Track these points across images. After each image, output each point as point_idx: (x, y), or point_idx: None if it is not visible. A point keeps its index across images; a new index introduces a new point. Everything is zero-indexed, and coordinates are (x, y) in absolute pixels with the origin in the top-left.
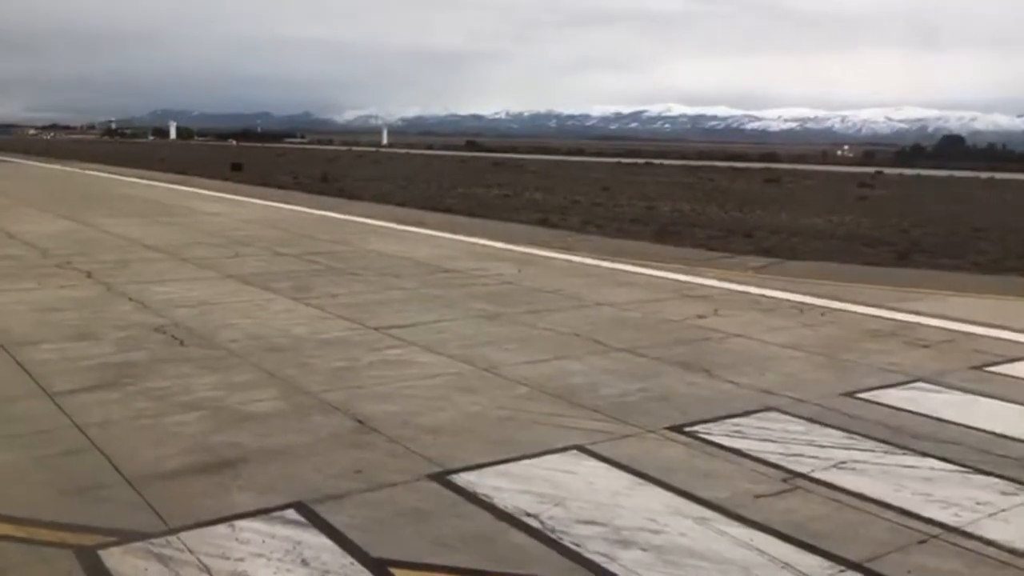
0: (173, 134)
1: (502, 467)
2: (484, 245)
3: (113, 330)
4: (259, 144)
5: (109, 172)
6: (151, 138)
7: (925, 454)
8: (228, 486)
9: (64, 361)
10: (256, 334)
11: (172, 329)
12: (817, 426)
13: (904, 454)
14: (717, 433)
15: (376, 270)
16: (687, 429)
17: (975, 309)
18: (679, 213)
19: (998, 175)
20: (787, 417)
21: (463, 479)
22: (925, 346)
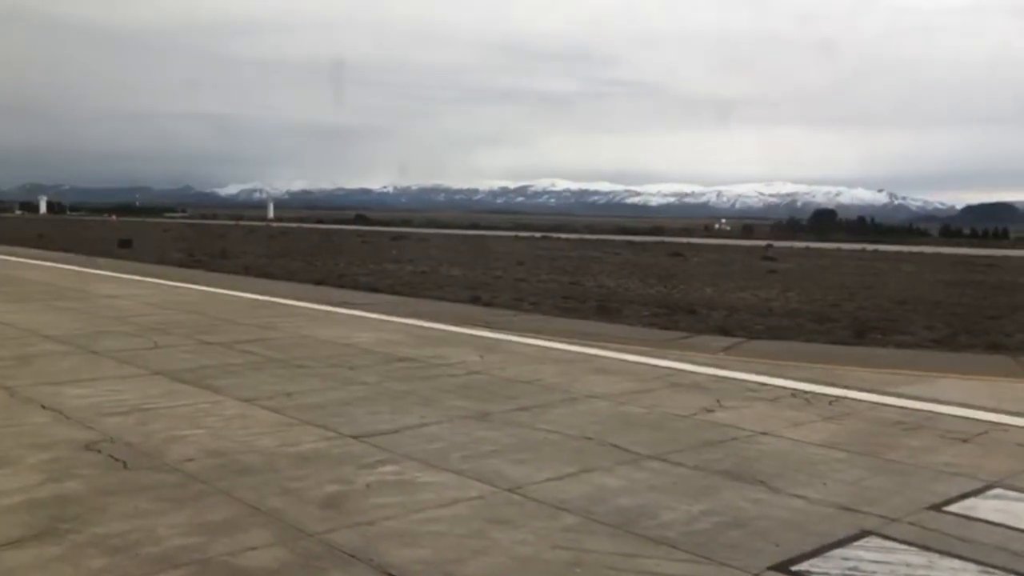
0: (43, 208)
1: None
2: (427, 327)
3: (31, 451)
4: (139, 219)
5: None
6: (19, 212)
7: None
8: None
9: None
10: (215, 449)
11: (108, 446)
12: (937, 556)
13: None
14: (835, 573)
15: (323, 361)
16: (795, 568)
17: (977, 393)
18: (606, 289)
19: (881, 247)
20: (893, 544)
21: None
22: (964, 440)
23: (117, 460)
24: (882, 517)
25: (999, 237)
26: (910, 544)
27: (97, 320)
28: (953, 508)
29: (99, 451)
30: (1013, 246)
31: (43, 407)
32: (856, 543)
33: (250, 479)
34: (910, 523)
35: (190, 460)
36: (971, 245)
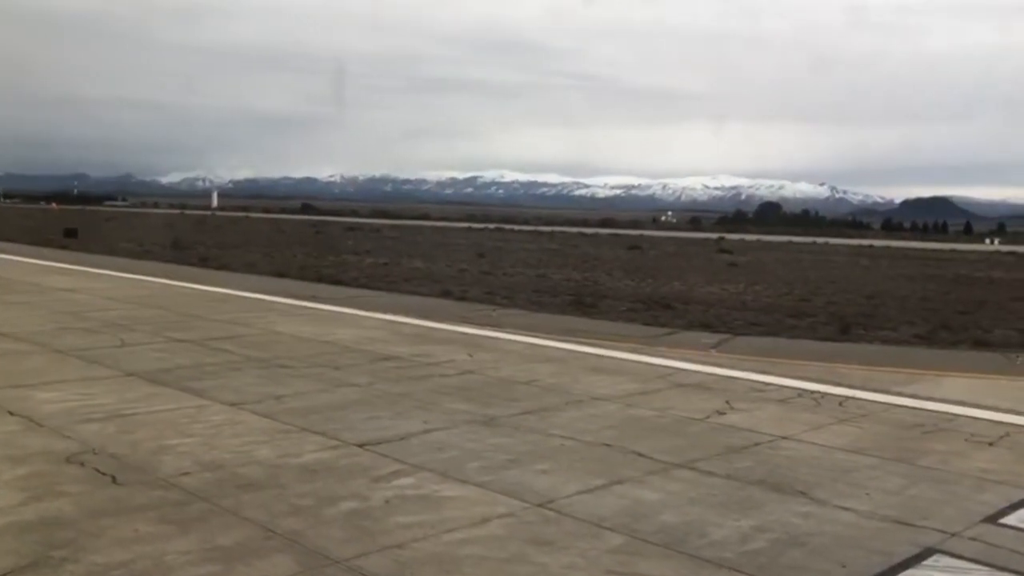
0: None
1: None
2: (406, 324)
3: (6, 465)
4: (79, 207)
5: None
6: None
7: None
8: None
9: None
10: (210, 461)
11: (92, 459)
12: None
13: None
14: None
15: (305, 360)
16: None
17: (982, 392)
18: (574, 282)
19: (831, 240)
20: (964, 564)
21: None
22: (990, 444)
23: (104, 474)
24: (940, 532)
25: (939, 231)
26: (981, 564)
27: (56, 316)
28: (1009, 520)
29: (83, 464)
30: (956, 240)
31: (11, 413)
32: (925, 563)
33: (256, 495)
34: (971, 539)
35: (186, 474)
36: (915, 239)
